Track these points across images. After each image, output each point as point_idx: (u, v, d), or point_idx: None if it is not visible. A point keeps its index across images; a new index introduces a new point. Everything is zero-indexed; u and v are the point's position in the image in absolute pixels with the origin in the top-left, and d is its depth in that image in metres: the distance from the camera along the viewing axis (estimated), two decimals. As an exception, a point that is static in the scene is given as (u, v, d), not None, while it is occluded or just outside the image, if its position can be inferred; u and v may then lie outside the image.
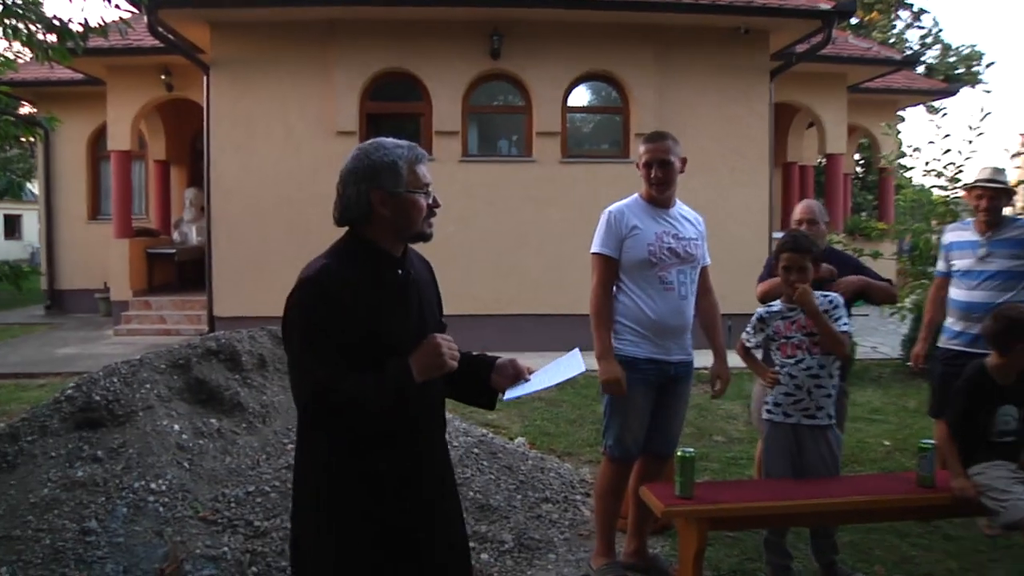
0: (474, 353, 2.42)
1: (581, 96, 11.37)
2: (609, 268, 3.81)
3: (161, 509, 3.77)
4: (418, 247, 2.33)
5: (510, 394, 2.31)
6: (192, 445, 4.20)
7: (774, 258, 3.93)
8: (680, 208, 3.94)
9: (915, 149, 9.71)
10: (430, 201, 2.22)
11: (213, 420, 4.40)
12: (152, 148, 14.55)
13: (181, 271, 13.73)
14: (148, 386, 4.40)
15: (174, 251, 13.49)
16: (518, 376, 2.33)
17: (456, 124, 10.78)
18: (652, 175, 3.77)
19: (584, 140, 11.79)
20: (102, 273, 13.84)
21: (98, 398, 4.26)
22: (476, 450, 4.96)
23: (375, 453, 2.11)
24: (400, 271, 2.21)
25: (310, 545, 2.16)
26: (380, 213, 2.15)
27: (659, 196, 3.81)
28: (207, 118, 10.76)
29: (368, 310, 2.09)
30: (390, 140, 2.21)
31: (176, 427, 4.25)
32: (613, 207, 3.86)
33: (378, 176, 2.14)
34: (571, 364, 2.37)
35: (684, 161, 3.85)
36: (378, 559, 2.12)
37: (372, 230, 2.18)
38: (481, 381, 2.36)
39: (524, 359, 2.42)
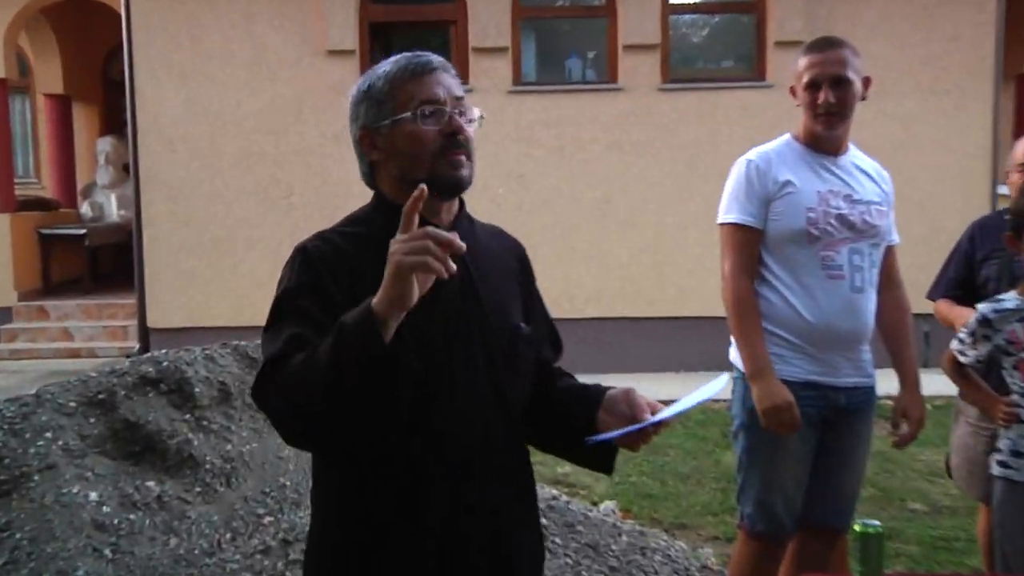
0: (583, 384, 2.42)
1: (691, -13, 11.37)
2: (750, 243, 3.79)
3: (69, 623, 3.82)
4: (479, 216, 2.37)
5: (600, 437, 2.23)
6: (118, 522, 4.26)
7: (1012, 220, 3.74)
8: (854, 156, 3.91)
9: None
10: (440, 126, 2.20)
11: (151, 483, 4.47)
12: (41, 76, 14.79)
13: (95, 261, 14.00)
14: (48, 435, 4.46)
15: (83, 231, 13.70)
16: (634, 417, 2.24)
17: (504, 37, 10.83)
18: (821, 101, 3.72)
19: (697, 56, 11.77)
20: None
21: (-35, 456, 4.31)
22: (544, 520, 4.97)
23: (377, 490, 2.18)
24: None
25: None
26: (376, 160, 2.29)
27: (828, 134, 3.77)
28: (127, 30, 10.89)
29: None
30: (390, 59, 2.29)
31: (93, 496, 4.32)
32: (753, 154, 3.84)
33: (357, 111, 2.28)
34: (703, 394, 2.27)
35: (867, 83, 3.81)
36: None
37: (385, 186, 2.31)
38: (588, 426, 2.29)
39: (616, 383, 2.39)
